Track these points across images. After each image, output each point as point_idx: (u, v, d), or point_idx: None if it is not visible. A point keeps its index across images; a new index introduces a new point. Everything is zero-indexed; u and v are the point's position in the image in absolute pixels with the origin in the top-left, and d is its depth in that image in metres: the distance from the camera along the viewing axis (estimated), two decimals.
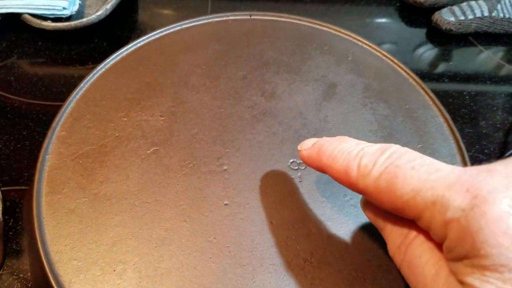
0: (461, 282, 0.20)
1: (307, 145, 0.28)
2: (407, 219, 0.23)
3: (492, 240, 0.18)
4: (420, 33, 0.57)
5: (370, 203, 0.26)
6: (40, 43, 0.50)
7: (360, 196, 0.27)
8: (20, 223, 0.38)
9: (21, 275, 0.35)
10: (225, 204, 0.31)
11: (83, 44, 0.50)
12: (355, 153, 0.24)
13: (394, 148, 0.23)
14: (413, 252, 0.23)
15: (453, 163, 0.33)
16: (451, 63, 0.53)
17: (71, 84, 0.45)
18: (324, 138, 0.27)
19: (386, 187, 0.22)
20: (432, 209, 0.20)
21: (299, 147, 0.28)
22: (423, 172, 0.21)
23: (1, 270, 0.35)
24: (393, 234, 0.25)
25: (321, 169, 0.26)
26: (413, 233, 0.23)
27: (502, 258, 0.18)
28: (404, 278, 0.24)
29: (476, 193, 0.19)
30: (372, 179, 0.22)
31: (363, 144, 0.25)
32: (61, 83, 0.46)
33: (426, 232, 0.22)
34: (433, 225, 0.21)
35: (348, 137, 0.26)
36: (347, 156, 0.24)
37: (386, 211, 0.24)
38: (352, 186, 0.24)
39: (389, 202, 0.22)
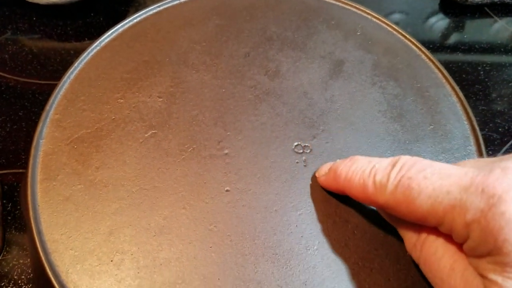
0: (483, 277, 0.20)
1: (324, 171, 0.29)
2: None
3: None
4: (432, 3, 0.54)
5: None
6: (34, 19, 0.48)
7: None
8: (18, 207, 0.37)
9: (21, 261, 0.35)
10: (226, 190, 0.30)
11: (79, 19, 0.48)
12: (368, 171, 0.25)
13: (403, 160, 0.24)
14: (428, 249, 0.24)
15: (466, 146, 0.32)
16: (465, 35, 0.51)
17: (67, 62, 0.44)
18: (338, 161, 0.28)
19: (403, 199, 0.22)
20: (452, 213, 0.21)
21: (316, 174, 0.30)
22: (436, 179, 0.21)
23: (1, 256, 0.35)
24: (408, 233, 0.25)
25: (341, 191, 0.28)
26: (426, 231, 0.24)
27: None
28: (423, 274, 0.25)
29: (492, 193, 0.19)
30: (389, 194, 0.23)
31: (374, 160, 0.25)
32: (57, 61, 0.45)
33: (441, 233, 0.23)
34: (455, 228, 0.21)
35: (359, 156, 0.27)
36: (362, 175, 0.25)
37: None
38: (373, 203, 0.25)
39: (410, 213, 0.23)
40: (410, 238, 0.25)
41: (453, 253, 0.22)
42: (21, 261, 0.34)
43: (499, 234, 0.19)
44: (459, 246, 0.22)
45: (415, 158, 0.23)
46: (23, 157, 0.39)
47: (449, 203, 0.21)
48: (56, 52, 0.45)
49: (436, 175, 0.22)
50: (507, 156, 0.22)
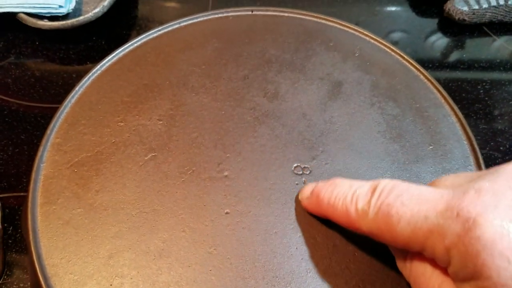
0: None
1: (306, 194, 0.29)
2: None
3: (491, 263, 0.19)
4: (431, 23, 0.55)
5: None
6: (37, 43, 0.49)
7: None
8: (19, 230, 0.37)
9: (21, 285, 0.35)
10: (226, 213, 0.30)
11: (81, 43, 0.49)
12: (350, 197, 0.25)
13: (382, 184, 0.23)
14: (417, 268, 0.23)
15: (466, 166, 0.32)
16: (464, 55, 0.51)
17: (69, 85, 0.44)
18: (320, 183, 0.28)
19: (385, 226, 0.22)
20: (431, 238, 0.21)
21: (300, 197, 0.30)
22: (414, 205, 0.21)
23: (1, 280, 0.34)
24: (398, 252, 0.25)
25: (325, 217, 0.27)
26: (414, 251, 0.23)
27: (501, 279, 0.18)
28: None
29: (467, 217, 0.19)
30: (371, 221, 0.23)
31: (355, 185, 0.25)
32: (59, 84, 0.45)
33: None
34: (436, 253, 0.21)
35: (340, 179, 0.27)
36: (344, 201, 0.25)
37: None
38: (356, 230, 0.25)
39: (393, 240, 0.23)
40: (400, 256, 0.25)
41: (440, 274, 0.22)
42: (21, 285, 0.34)
43: (477, 259, 0.19)
44: (445, 270, 0.22)
45: (393, 182, 0.23)
46: (25, 180, 0.39)
47: (428, 228, 0.21)
48: (59, 76, 0.46)
49: (413, 200, 0.22)
50: (483, 172, 0.22)
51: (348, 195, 0.25)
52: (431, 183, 0.26)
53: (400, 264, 0.25)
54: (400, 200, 0.22)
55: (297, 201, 0.30)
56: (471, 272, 0.19)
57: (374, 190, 0.23)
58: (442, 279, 0.22)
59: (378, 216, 0.23)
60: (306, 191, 0.29)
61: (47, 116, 0.43)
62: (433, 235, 0.20)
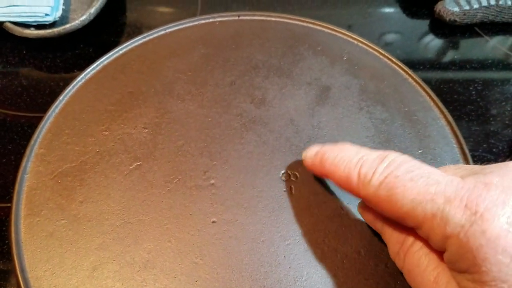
0: None
1: (311, 154, 0.28)
2: (404, 227, 0.23)
3: (493, 258, 0.19)
4: (422, 24, 0.54)
5: (367, 209, 0.27)
6: (24, 52, 0.48)
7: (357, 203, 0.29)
8: (6, 242, 0.36)
9: None
10: (213, 222, 0.29)
11: (69, 51, 0.48)
12: (355, 161, 0.24)
13: (393, 156, 0.23)
14: (411, 259, 0.23)
15: None
16: (456, 56, 0.51)
17: (56, 94, 0.43)
18: (326, 145, 0.28)
19: (386, 196, 0.22)
20: (432, 221, 0.21)
21: (303, 156, 0.29)
22: (422, 184, 0.21)
23: None
24: (391, 241, 0.25)
25: (324, 176, 0.27)
26: (409, 241, 0.24)
27: (502, 274, 0.19)
28: (407, 283, 0.24)
29: (474, 210, 0.19)
30: (372, 188, 0.23)
31: (363, 151, 0.25)
32: (47, 93, 0.45)
33: (422, 239, 0.23)
34: (432, 236, 0.21)
35: (349, 145, 0.26)
36: (348, 164, 0.25)
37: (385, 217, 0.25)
38: (354, 193, 0.25)
39: (389, 211, 0.23)
40: (393, 246, 0.25)
41: (436, 265, 0.22)
42: None
43: (478, 252, 0.19)
44: (441, 257, 0.22)
45: (404, 157, 0.23)
46: (12, 190, 0.39)
47: (431, 212, 0.21)
48: (46, 85, 0.45)
49: (423, 179, 0.21)
50: (488, 167, 0.22)
51: (354, 158, 0.25)
52: None
53: (393, 254, 0.25)
54: (409, 176, 0.22)
55: (285, 208, 0.30)
56: (469, 264, 0.19)
57: (382, 160, 0.23)
58: (438, 272, 0.22)
59: (381, 186, 0.22)
60: (311, 151, 0.28)
61: (34, 125, 0.42)
62: (435, 219, 0.20)
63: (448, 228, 0.20)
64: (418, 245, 0.23)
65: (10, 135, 0.42)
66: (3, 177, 0.39)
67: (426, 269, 0.22)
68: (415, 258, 0.23)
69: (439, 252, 0.22)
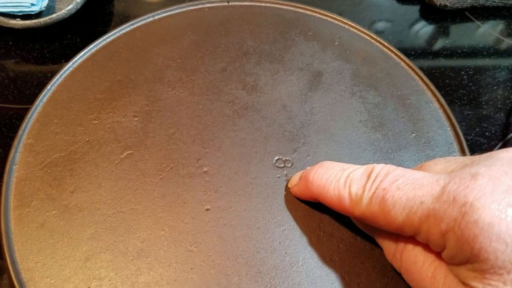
0: (465, 284, 0.20)
1: (295, 181, 0.28)
2: None
3: (488, 246, 0.19)
4: (413, 10, 0.54)
5: None
6: (10, 43, 0.47)
7: None
8: None
9: None
10: (207, 209, 0.29)
11: (56, 41, 0.47)
12: (343, 181, 0.24)
13: (377, 169, 0.23)
14: (407, 258, 0.23)
15: (450, 152, 0.31)
16: (447, 41, 0.51)
17: (44, 85, 0.43)
18: (308, 168, 0.28)
19: (379, 210, 0.22)
20: (427, 223, 0.21)
21: (289, 185, 0.29)
22: (409, 190, 0.21)
23: None
24: (386, 242, 0.25)
25: (315, 199, 0.27)
26: (404, 239, 0.24)
27: (499, 261, 0.19)
28: (407, 282, 0.24)
29: (463, 201, 0.19)
30: (365, 206, 0.23)
31: (348, 168, 0.25)
32: (34, 84, 0.44)
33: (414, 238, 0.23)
34: (431, 238, 0.21)
35: (329, 162, 0.26)
36: (336, 185, 0.24)
37: None
38: (349, 214, 0.25)
39: (387, 224, 0.22)
40: (388, 247, 0.25)
41: (432, 260, 0.22)
42: None
43: (474, 242, 0.19)
44: (438, 253, 0.22)
45: (388, 167, 0.23)
46: (1, 184, 0.38)
47: (423, 213, 0.21)
48: (33, 76, 0.45)
49: (409, 185, 0.21)
50: (477, 157, 0.22)
51: (341, 178, 0.24)
52: (418, 167, 0.25)
53: (389, 256, 0.25)
54: (395, 185, 0.22)
55: (279, 194, 0.29)
56: (467, 256, 0.19)
57: (369, 175, 0.23)
58: (434, 267, 0.22)
59: (373, 201, 0.22)
60: (295, 178, 0.29)
61: (22, 117, 0.41)
62: (428, 219, 0.20)
63: (442, 225, 0.20)
64: (413, 242, 0.23)
65: None
66: None
67: (423, 265, 0.23)
68: (411, 255, 0.23)
69: (437, 252, 0.22)
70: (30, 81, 0.44)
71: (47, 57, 0.46)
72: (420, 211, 0.21)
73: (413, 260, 0.23)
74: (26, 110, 0.38)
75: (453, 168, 0.22)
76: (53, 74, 0.43)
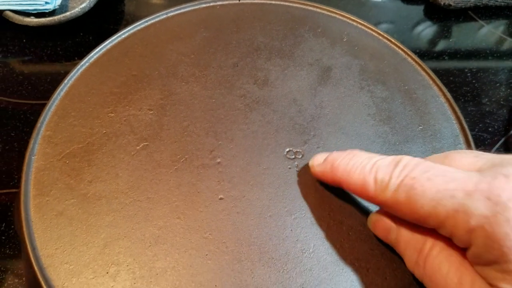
0: (492, 286, 0.20)
1: (319, 161, 0.28)
2: (421, 232, 0.24)
3: None
4: (417, 10, 0.55)
5: (379, 223, 0.27)
6: (24, 40, 0.49)
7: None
8: (12, 226, 0.37)
9: (16, 280, 0.34)
10: (220, 199, 0.30)
11: (69, 39, 0.48)
12: (369, 167, 0.24)
13: (406, 159, 0.23)
14: (431, 265, 0.23)
15: (456, 144, 0.32)
16: (451, 40, 0.52)
17: (57, 81, 0.43)
18: (335, 152, 0.28)
19: (405, 199, 0.22)
20: (454, 217, 0.21)
21: (310, 163, 0.29)
22: (441, 182, 0.21)
23: None
24: (408, 250, 0.25)
25: (337, 184, 0.27)
26: (428, 246, 0.23)
27: None
28: None
29: (496, 200, 0.20)
30: (390, 193, 0.23)
31: (375, 157, 0.25)
32: (48, 81, 0.45)
33: (441, 241, 0.23)
34: (456, 232, 0.21)
35: (359, 150, 0.26)
36: (362, 170, 0.25)
37: (399, 225, 0.25)
38: (371, 200, 0.25)
39: (410, 213, 0.23)
40: (410, 256, 0.24)
41: (458, 266, 0.22)
42: (16, 280, 0.34)
43: (504, 240, 0.19)
44: (464, 258, 0.22)
45: (418, 159, 0.23)
46: (16, 177, 0.39)
47: (452, 207, 0.21)
48: (47, 73, 0.46)
49: (440, 177, 0.22)
50: (506, 157, 0.22)
51: (367, 165, 0.25)
52: (443, 156, 0.25)
53: (411, 264, 0.25)
54: (426, 176, 0.22)
55: (291, 184, 0.30)
56: (496, 255, 0.19)
57: (397, 164, 0.23)
58: (461, 272, 0.22)
59: (400, 189, 0.22)
60: (319, 158, 0.29)
61: (37, 112, 0.42)
62: (458, 214, 0.20)
63: (472, 221, 0.20)
64: (437, 248, 0.23)
65: (13, 122, 0.42)
66: (7, 164, 0.40)
67: (448, 272, 0.22)
68: (435, 263, 0.23)
69: (461, 252, 0.22)
70: (43, 78, 0.45)
71: (60, 54, 0.47)
72: (449, 204, 0.21)
73: (438, 267, 0.23)
74: (40, 106, 0.40)
75: (482, 165, 0.22)
76: (66, 71, 0.44)
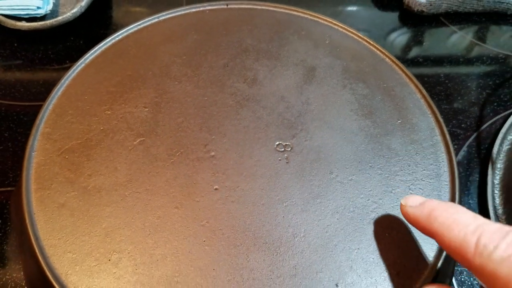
0: None
1: (414, 203, 0.27)
2: None
3: None
4: (392, 16, 0.58)
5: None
6: (16, 44, 0.50)
7: (346, 171, 0.31)
8: (8, 223, 0.38)
9: (14, 275, 0.35)
10: (215, 189, 0.31)
11: (60, 43, 0.50)
12: (473, 228, 0.23)
13: None
14: None
15: (432, 136, 0.35)
16: (424, 45, 0.55)
17: (49, 84, 0.45)
18: (434, 200, 0.26)
19: (506, 274, 0.20)
20: None
21: (402, 202, 0.27)
22: None
23: None
24: None
25: (428, 233, 0.25)
26: None
27: None
28: None
29: None
30: (492, 264, 0.21)
31: (481, 219, 0.23)
32: (40, 83, 0.46)
33: None
34: None
35: (462, 207, 0.25)
36: (464, 229, 0.23)
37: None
38: (464, 261, 0.23)
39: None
40: None
41: None
42: (14, 275, 0.35)
43: None
44: None
45: None
46: (11, 176, 0.40)
47: None
48: (39, 76, 0.47)
49: None
50: None
51: (470, 225, 0.23)
52: None
53: None
54: None
55: (281, 175, 0.32)
56: None
57: (505, 235, 0.21)
58: None
59: (505, 263, 0.20)
60: (413, 200, 0.27)
61: (30, 113, 0.43)
62: None
63: None
64: None
65: (7, 123, 0.43)
66: (1, 163, 0.41)
67: None
68: None
69: None
70: (35, 80, 0.46)
71: (52, 58, 0.49)
72: None
73: None
74: (33, 107, 0.41)
75: None
76: (58, 74, 0.45)
